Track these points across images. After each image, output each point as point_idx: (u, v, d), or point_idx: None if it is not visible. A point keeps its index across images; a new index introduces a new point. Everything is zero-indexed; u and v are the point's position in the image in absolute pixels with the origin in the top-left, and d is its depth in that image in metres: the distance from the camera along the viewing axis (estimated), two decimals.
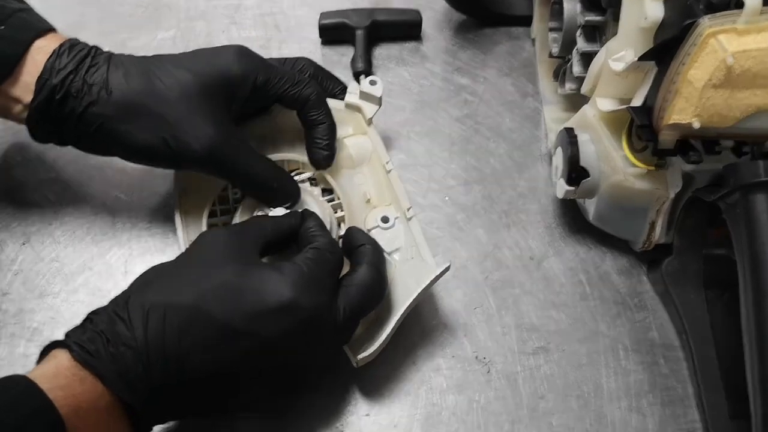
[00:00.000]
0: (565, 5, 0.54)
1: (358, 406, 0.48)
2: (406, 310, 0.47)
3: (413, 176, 0.58)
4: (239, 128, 0.51)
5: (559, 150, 0.52)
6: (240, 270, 0.42)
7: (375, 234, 0.52)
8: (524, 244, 0.55)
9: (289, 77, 0.51)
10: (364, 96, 0.56)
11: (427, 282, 0.47)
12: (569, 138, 0.50)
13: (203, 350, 0.40)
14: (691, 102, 0.41)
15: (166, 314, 0.40)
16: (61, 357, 0.39)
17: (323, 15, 0.65)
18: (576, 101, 0.59)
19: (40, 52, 0.48)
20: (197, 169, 0.49)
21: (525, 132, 0.61)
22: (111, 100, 0.47)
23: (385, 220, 0.52)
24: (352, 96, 0.57)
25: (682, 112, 0.42)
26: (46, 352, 0.40)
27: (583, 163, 0.50)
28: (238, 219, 0.51)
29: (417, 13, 0.65)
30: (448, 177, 0.58)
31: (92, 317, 0.41)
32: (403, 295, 0.48)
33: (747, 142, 0.45)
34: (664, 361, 0.51)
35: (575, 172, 0.50)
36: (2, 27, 0.48)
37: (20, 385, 0.37)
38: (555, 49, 0.58)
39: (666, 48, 0.42)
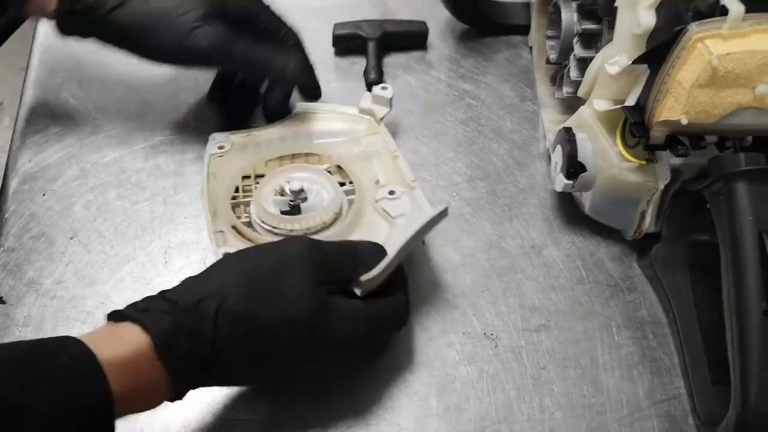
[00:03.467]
0: (563, 15, 0.57)
1: (379, 376, 0.51)
2: (405, 247, 0.49)
3: (423, 174, 0.61)
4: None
5: (559, 147, 0.55)
6: (315, 309, 0.44)
7: (382, 203, 0.55)
8: (525, 234, 0.58)
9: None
10: (377, 100, 0.60)
11: (423, 222, 0.50)
12: (568, 136, 0.53)
13: (267, 366, 0.45)
14: (680, 101, 0.45)
15: (245, 331, 0.42)
16: (141, 342, 0.40)
17: (337, 26, 0.68)
18: (571, 104, 0.62)
19: None
20: (206, 65, 0.60)
21: (524, 133, 0.64)
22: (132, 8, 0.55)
23: (391, 192, 0.55)
24: (366, 101, 0.61)
25: (672, 110, 0.45)
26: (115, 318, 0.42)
27: (580, 158, 0.53)
28: (255, 196, 0.54)
29: (424, 24, 0.68)
30: (454, 174, 0.61)
31: (171, 308, 0.41)
32: (400, 236, 0.50)
33: (729, 138, 0.48)
34: (652, 336, 0.54)
35: (573, 168, 0.53)
36: None
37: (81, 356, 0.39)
38: (553, 56, 0.61)
39: (657, 52, 0.45)
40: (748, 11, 0.42)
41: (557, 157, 0.55)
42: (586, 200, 0.56)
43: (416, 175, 0.59)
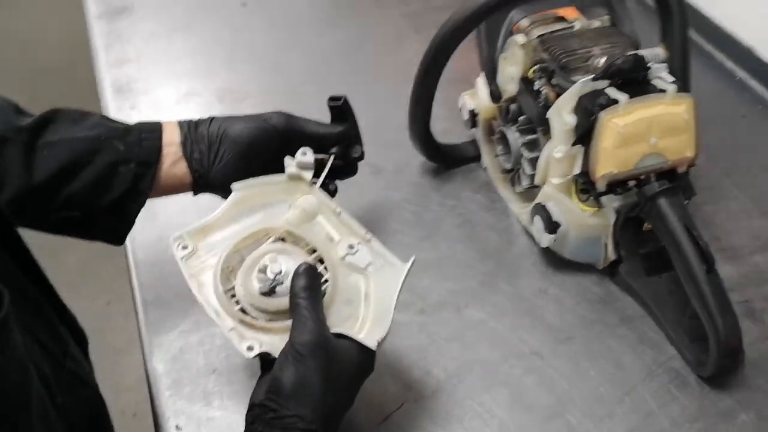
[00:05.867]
0: (509, 136, 0.82)
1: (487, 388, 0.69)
2: (397, 303, 0.62)
3: (446, 264, 0.81)
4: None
5: (537, 218, 0.77)
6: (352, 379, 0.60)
7: (348, 259, 0.64)
8: (531, 284, 0.79)
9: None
10: (301, 165, 0.69)
11: (403, 278, 0.62)
12: (542, 207, 0.76)
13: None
14: (608, 159, 0.69)
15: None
16: None
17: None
18: (527, 195, 0.86)
19: (170, 145, 0.70)
20: (280, 136, 0.71)
21: (503, 222, 0.86)
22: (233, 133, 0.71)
23: (351, 247, 0.64)
24: (291, 168, 0.69)
25: (605, 166, 0.69)
26: None
27: (555, 219, 0.76)
28: (241, 291, 0.61)
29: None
30: (468, 259, 0.82)
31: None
32: (389, 294, 0.62)
33: (643, 179, 0.72)
34: (640, 324, 0.75)
35: (552, 226, 0.76)
36: (142, 135, 0.69)
37: None
38: (508, 165, 0.85)
39: (585, 136, 0.70)
40: (630, 98, 0.68)
41: (537, 224, 0.78)
42: (565, 249, 0.79)
43: (440, 264, 0.80)
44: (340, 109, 0.75)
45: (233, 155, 0.70)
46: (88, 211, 0.68)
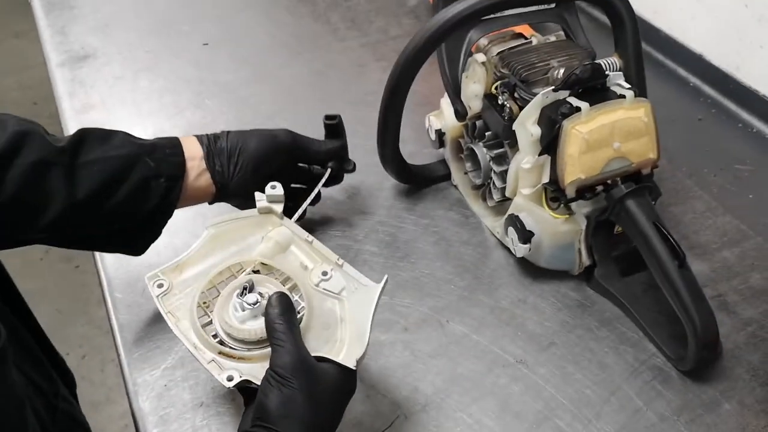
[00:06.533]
0: (478, 153, 0.84)
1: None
2: (372, 322, 0.62)
3: (426, 281, 0.82)
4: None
5: (511, 228, 0.79)
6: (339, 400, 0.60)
7: (323, 285, 0.65)
8: (510, 294, 0.80)
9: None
10: (271, 198, 0.71)
11: (377, 298, 0.63)
12: (515, 218, 0.78)
13: None
14: (575, 166, 0.71)
15: None
16: None
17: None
18: (499, 210, 0.87)
19: (193, 159, 0.74)
20: (288, 150, 0.79)
21: (478, 236, 0.88)
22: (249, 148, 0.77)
23: (324, 273, 0.65)
24: (261, 202, 0.70)
25: (573, 173, 0.71)
26: None
27: (528, 228, 0.77)
28: (217, 321, 0.62)
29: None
30: (446, 275, 0.83)
31: None
32: (365, 315, 0.62)
33: (610, 183, 0.74)
34: (620, 325, 0.76)
35: (526, 236, 0.77)
36: (167, 150, 0.73)
37: None
38: (478, 181, 0.87)
39: (551, 145, 0.72)
40: (591, 105, 0.70)
41: (512, 235, 0.79)
42: (540, 257, 0.80)
43: (419, 282, 0.81)
44: (335, 127, 0.83)
45: (249, 167, 0.76)
46: (123, 224, 0.71)
